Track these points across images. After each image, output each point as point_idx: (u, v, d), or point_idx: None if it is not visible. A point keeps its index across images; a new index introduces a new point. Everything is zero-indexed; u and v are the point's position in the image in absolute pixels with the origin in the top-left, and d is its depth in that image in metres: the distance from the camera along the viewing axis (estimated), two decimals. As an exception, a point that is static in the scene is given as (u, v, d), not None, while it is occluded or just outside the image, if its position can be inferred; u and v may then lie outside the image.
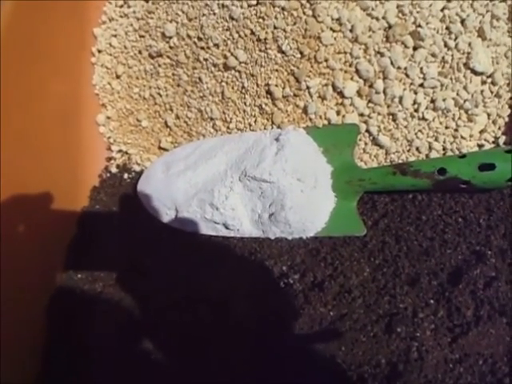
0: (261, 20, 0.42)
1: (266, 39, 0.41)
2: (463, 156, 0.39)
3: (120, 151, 0.48)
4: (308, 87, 0.42)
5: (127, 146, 0.48)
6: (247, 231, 0.42)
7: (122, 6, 0.49)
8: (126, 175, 0.48)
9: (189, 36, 0.44)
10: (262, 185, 0.40)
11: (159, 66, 0.46)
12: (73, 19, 0.49)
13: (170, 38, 0.45)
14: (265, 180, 0.40)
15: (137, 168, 0.48)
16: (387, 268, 0.39)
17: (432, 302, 0.37)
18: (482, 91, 0.43)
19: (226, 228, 0.42)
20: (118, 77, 0.48)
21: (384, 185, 0.41)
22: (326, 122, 0.43)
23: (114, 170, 0.49)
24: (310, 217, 0.41)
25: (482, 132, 0.44)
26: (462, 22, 0.43)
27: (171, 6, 0.46)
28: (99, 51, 0.49)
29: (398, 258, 0.40)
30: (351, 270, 0.39)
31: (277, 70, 0.42)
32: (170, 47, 0.45)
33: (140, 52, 0.47)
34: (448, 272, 0.39)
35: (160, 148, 0.47)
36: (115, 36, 0.48)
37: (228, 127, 0.44)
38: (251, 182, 0.40)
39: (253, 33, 0.42)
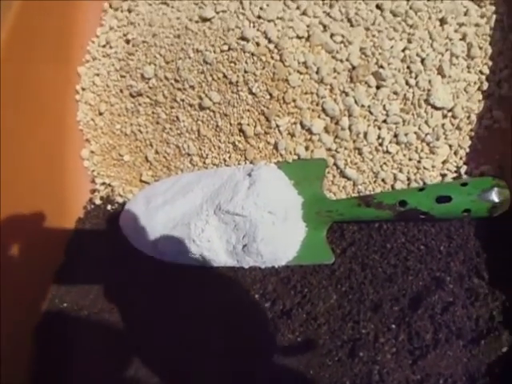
0: (232, 64, 0.46)
1: (237, 82, 0.45)
2: (422, 189, 0.43)
3: (103, 184, 0.52)
4: (278, 126, 0.45)
5: (110, 179, 0.52)
6: (223, 261, 0.45)
7: (104, 46, 0.53)
8: (109, 206, 0.51)
9: (166, 78, 0.48)
10: (236, 218, 0.44)
11: (139, 104, 0.50)
12: (58, 58, 0.53)
13: (149, 79, 0.49)
14: (238, 214, 0.43)
15: (119, 199, 0.51)
16: (352, 295, 0.43)
17: (393, 326, 0.41)
18: (443, 124, 0.47)
19: (203, 258, 0.45)
20: (100, 114, 0.51)
21: (350, 216, 0.44)
22: (295, 157, 0.46)
23: (98, 201, 0.52)
24: (281, 247, 0.44)
25: (444, 162, 0.47)
26: (422, 61, 0.47)
27: (150, 49, 0.50)
28: (83, 89, 0.52)
29: (363, 284, 0.43)
30: (319, 297, 0.43)
31: (248, 110, 0.46)
32: (149, 87, 0.49)
33: (121, 91, 0.51)
34: (409, 297, 0.42)
35: (141, 181, 0.50)
36: (98, 75, 0.52)
37: (204, 162, 0.47)
38: (225, 215, 0.44)
39: (225, 76, 0.46)
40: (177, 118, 0.48)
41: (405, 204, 0.42)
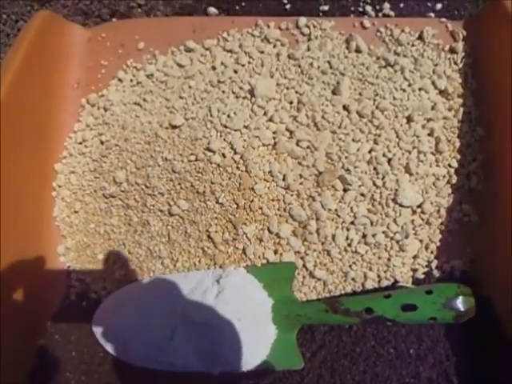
0: (199, 175, 0.47)
1: (204, 192, 0.47)
2: (388, 296, 0.43)
3: (78, 279, 0.53)
4: (245, 233, 0.46)
5: (85, 275, 0.53)
6: (192, 367, 0.46)
7: (80, 143, 0.55)
8: (84, 303, 0.52)
9: (137, 183, 0.50)
10: (203, 326, 0.44)
11: (112, 206, 0.51)
12: (36, 154, 0.54)
13: (121, 183, 0.50)
14: (205, 323, 0.44)
15: (94, 296, 0.52)
16: (320, 407, 0.43)
17: None
18: (412, 220, 0.48)
19: (172, 365, 0.46)
20: (76, 211, 0.53)
21: (319, 320, 0.45)
22: (264, 261, 0.48)
23: (73, 297, 0.53)
24: (249, 353, 0.45)
25: (415, 257, 0.48)
26: (389, 161, 0.48)
27: (122, 153, 0.51)
28: (59, 186, 0.54)
29: (332, 394, 0.44)
30: (286, 411, 0.43)
31: (216, 218, 0.48)
32: (121, 191, 0.50)
33: (95, 191, 0.52)
34: (377, 409, 0.43)
35: (114, 279, 0.51)
36: (74, 173, 0.53)
37: (175, 265, 0.49)
38: (193, 323, 0.45)
39: (192, 186, 0.47)
40: (147, 221, 0.49)
41: (371, 312, 0.43)
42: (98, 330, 0.49)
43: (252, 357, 0.45)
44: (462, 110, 0.52)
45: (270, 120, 0.49)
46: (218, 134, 0.49)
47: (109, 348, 0.48)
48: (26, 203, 0.52)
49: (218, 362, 0.45)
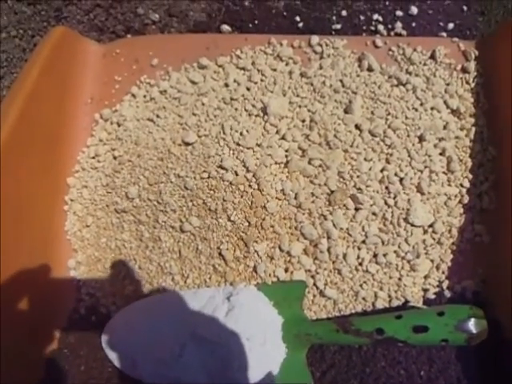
0: (212, 192, 0.48)
1: (216, 210, 0.47)
2: (399, 316, 0.43)
3: (88, 294, 0.53)
4: (256, 251, 0.47)
5: (95, 290, 0.53)
6: (200, 384, 0.46)
7: (93, 158, 0.55)
8: (93, 317, 0.53)
9: (149, 199, 0.50)
10: (213, 344, 0.44)
11: (124, 221, 0.51)
12: (49, 167, 0.55)
13: (133, 199, 0.51)
14: (214, 341, 0.44)
15: (104, 311, 0.52)
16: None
17: None
18: (423, 240, 0.48)
19: (180, 382, 0.46)
20: (87, 226, 0.53)
21: (329, 340, 0.45)
22: (275, 279, 0.48)
23: (82, 311, 0.53)
24: (257, 372, 0.45)
25: (426, 277, 0.48)
26: (401, 180, 0.48)
27: (134, 169, 0.52)
28: (71, 200, 0.54)
29: (341, 416, 0.43)
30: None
31: (227, 235, 0.48)
32: (134, 206, 0.51)
33: (107, 206, 0.52)
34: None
35: (124, 295, 0.52)
36: (86, 187, 0.54)
37: (185, 282, 0.49)
38: (203, 341, 0.45)
39: (205, 203, 0.48)
40: (159, 237, 0.49)
41: (382, 332, 0.42)
42: (107, 345, 0.49)
43: (261, 376, 0.45)
44: (473, 129, 0.52)
45: (283, 138, 0.50)
46: (231, 151, 0.49)
47: (117, 363, 0.48)
48: (38, 216, 0.53)
49: (226, 380, 0.45)
